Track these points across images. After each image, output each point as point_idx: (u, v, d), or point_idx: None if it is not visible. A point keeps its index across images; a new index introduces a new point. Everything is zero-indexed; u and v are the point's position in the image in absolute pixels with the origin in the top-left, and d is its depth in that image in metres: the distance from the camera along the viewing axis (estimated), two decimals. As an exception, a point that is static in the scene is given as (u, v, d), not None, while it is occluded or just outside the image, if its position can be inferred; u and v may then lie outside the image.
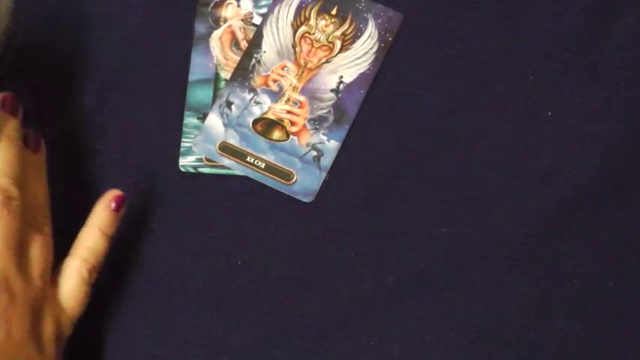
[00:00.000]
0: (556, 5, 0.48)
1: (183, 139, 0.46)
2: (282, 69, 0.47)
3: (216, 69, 0.47)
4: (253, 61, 0.47)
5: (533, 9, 0.48)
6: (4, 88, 0.41)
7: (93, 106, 0.47)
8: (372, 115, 0.47)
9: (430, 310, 0.44)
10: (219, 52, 0.47)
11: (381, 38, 0.47)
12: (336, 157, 0.46)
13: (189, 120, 0.47)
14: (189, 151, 0.46)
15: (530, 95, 0.47)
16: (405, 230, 0.45)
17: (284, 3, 0.48)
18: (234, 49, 0.47)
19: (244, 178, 0.45)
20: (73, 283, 0.41)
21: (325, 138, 0.46)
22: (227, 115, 0.46)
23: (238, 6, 0.48)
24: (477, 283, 0.45)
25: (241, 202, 0.46)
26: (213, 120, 0.46)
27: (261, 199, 0.45)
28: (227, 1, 0.48)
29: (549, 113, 0.47)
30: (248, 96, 0.47)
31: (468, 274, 0.45)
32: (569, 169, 0.46)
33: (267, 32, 0.47)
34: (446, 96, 0.47)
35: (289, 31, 0.47)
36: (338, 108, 0.46)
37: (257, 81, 0.47)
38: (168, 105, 0.47)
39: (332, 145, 0.46)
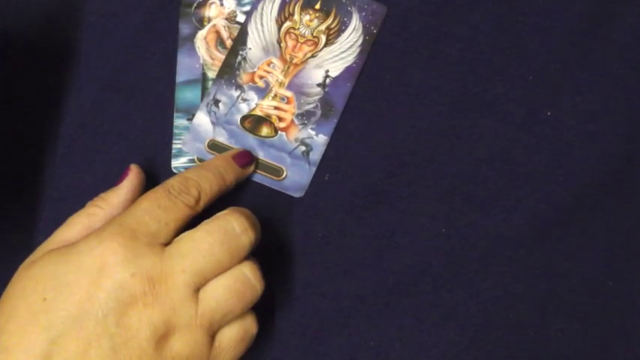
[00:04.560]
0: (556, 5, 0.48)
1: (174, 141, 0.46)
2: (268, 65, 0.47)
3: (203, 69, 0.47)
4: (239, 58, 0.47)
5: (533, 9, 0.48)
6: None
7: (93, 106, 0.47)
8: (363, 110, 0.47)
9: (430, 310, 0.44)
10: (204, 52, 0.47)
11: (365, 31, 0.47)
12: (335, 156, 0.46)
13: (180, 122, 0.46)
14: (181, 153, 0.46)
15: (530, 95, 0.47)
16: (404, 230, 0.45)
17: None
18: (219, 48, 0.47)
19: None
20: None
21: (313, 132, 0.46)
22: (215, 113, 0.46)
23: (221, 5, 0.48)
24: (477, 283, 0.45)
25: (238, 201, 0.46)
26: (201, 118, 0.46)
27: (254, 197, 0.45)
28: (210, 1, 0.48)
29: (549, 113, 0.47)
30: (235, 93, 0.47)
31: (467, 274, 0.45)
32: (569, 169, 0.46)
33: (251, 29, 0.47)
34: (440, 94, 0.47)
35: (274, 27, 0.47)
36: (325, 102, 0.47)
37: (243, 78, 0.47)
38: (167, 105, 0.47)
39: (320, 140, 0.46)
